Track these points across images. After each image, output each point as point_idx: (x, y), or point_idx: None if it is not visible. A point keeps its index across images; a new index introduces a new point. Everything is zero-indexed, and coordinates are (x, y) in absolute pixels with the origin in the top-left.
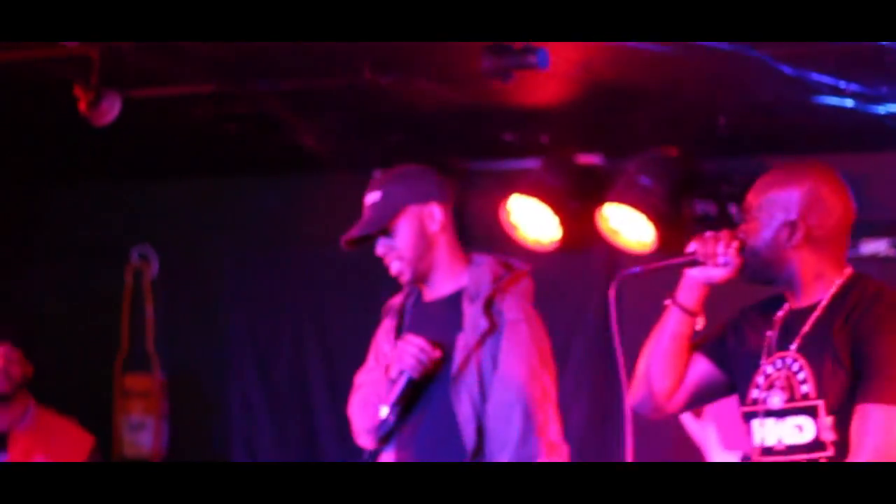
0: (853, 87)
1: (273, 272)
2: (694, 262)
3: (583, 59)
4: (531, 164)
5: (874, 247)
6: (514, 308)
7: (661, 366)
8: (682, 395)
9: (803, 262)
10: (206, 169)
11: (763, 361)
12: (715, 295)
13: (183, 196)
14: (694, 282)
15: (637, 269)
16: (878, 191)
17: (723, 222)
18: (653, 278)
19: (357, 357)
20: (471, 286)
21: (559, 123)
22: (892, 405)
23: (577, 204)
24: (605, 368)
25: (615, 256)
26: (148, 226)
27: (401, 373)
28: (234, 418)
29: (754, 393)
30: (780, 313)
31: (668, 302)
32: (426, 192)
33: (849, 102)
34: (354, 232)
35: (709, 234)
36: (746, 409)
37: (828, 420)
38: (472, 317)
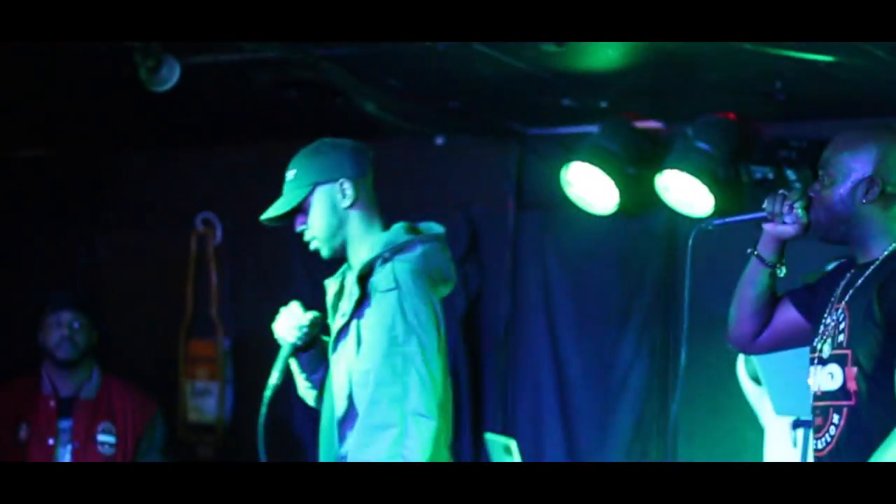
0: None
1: None
2: (763, 219)
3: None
4: (590, 129)
5: None
6: (386, 279)
7: (745, 310)
8: (767, 337)
9: (874, 219)
10: (267, 135)
11: (828, 312)
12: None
13: (246, 162)
14: (769, 235)
15: (715, 221)
16: None
17: (780, 186)
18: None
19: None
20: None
21: (617, 88)
22: None
23: (635, 169)
24: (664, 328)
25: (674, 221)
26: (211, 192)
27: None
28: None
29: (815, 341)
30: (851, 270)
31: (749, 250)
32: (337, 168)
33: None
34: (270, 211)
35: (780, 192)
36: (811, 355)
37: (853, 370)
38: (348, 287)
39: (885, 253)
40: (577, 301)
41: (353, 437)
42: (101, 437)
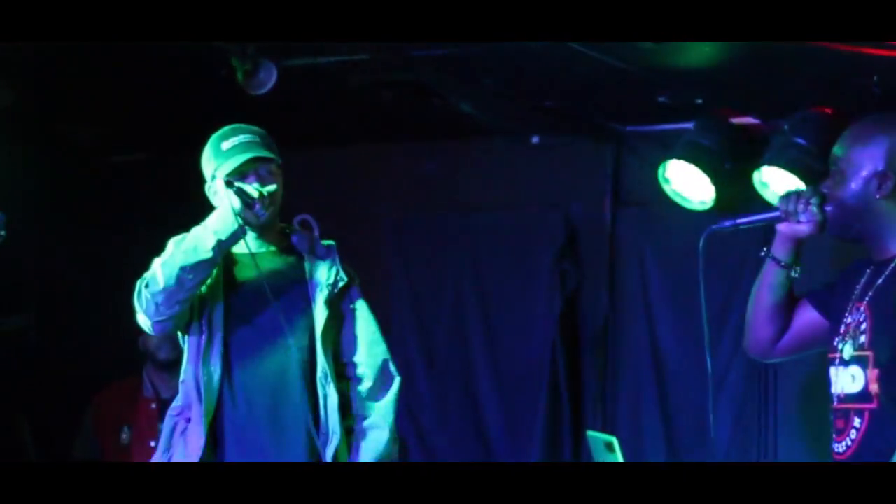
0: None
1: (432, 237)
2: (780, 219)
3: None
4: (686, 126)
5: None
6: None
7: (762, 314)
8: (787, 341)
9: (890, 214)
10: (362, 136)
11: (847, 313)
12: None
13: (342, 163)
14: (784, 236)
15: (728, 223)
16: None
17: None
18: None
19: (515, 320)
20: None
21: (713, 85)
22: None
23: (732, 165)
24: None
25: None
26: (310, 194)
27: None
28: None
29: (835, 341)
30: (869, 269)
31: (763, 254)
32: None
33: None
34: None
35: (794, 190)
36: (829, 355)
37: (874, 372)
38: None
39: None
40: (675, 299)
41: None
42: None
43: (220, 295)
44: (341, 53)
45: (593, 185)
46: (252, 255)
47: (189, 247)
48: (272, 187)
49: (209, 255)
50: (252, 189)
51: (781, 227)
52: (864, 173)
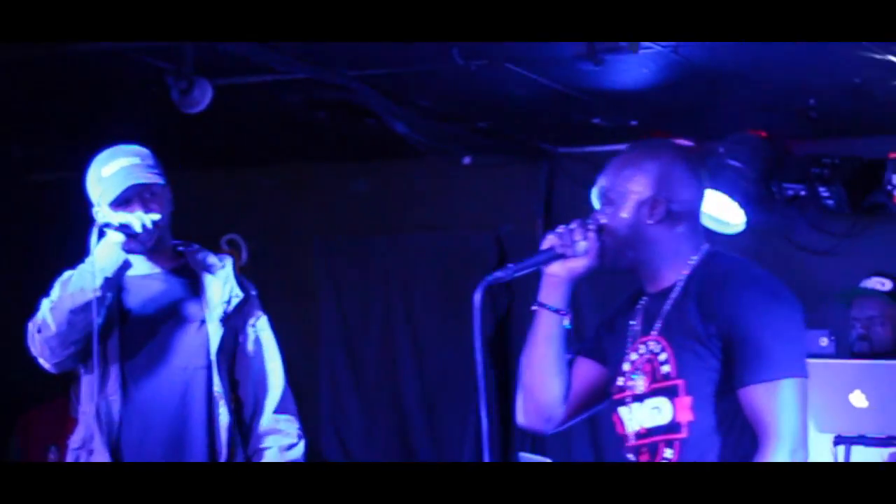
0: None
1: (363, 257)
2: (554, 256)
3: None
4: (619, 147)
5: None
6: None
7: (544, 372)
8: (572, 401)
9: (662, 240)
10: (295, 155)
11: (629, 349)
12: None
13: (272, 183)
14: (555, 279)
15: (501, 274)
16: None
17: (812, 203)
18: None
19: (445, 341)
20: None
21: (648, 107)
22: (774, 380)
23: None
24: None
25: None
26: (237, 213)
27: None
28: (322, 401)
29: (620, 381)
30: (642, 302)
31: (534, 307)
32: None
33: None
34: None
35: (563, 227)
36: (615, 396)
37: (686, 400)
38: None
39: (685, 275)
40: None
41: None
42: None
43: (115, 324)
44: (276, 72)
45: (525, 207)
46: (142, 279)
47: (76, 289)
48: (155, 215)
49: (98, 293)
50: (135, 219)
51: (551, 270)
52: (635, 200)
